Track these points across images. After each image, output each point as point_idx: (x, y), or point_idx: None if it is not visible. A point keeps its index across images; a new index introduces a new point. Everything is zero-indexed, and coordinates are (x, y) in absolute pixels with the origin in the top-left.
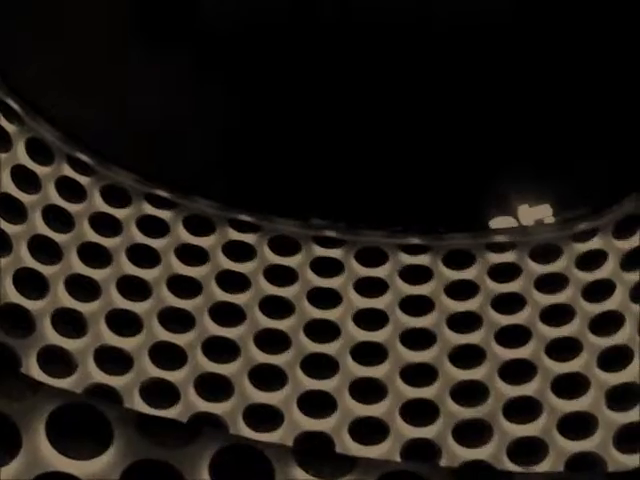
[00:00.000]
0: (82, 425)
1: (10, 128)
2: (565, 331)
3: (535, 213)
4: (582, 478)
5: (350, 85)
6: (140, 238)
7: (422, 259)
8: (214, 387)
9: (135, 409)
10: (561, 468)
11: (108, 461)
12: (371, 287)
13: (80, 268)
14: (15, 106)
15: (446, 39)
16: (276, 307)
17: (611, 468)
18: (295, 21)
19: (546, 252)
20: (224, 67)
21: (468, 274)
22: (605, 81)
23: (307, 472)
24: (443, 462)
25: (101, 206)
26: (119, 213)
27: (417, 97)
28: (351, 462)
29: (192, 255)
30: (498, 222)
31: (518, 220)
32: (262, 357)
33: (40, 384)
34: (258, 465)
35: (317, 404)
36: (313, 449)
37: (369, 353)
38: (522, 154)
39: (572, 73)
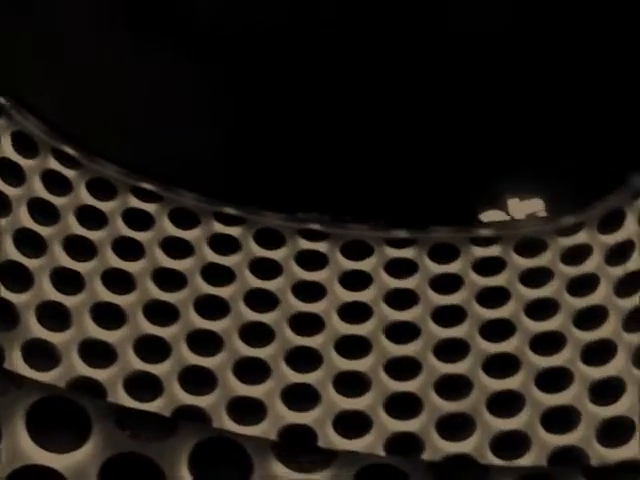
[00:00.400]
0: (62, 418)
1: None
2: (549, 325)
3: (526, 207)
4: (560, 472)
5: (336, 80)
6: (125, 231)
7: (407, 252)
8: (198, 380)
9: (118, 402)
10: (544, 462)
11: (87, 454)
12: (356, 280)
13: (65, 261)
14: (0, 99)
15: (437, 38)
16: (261, 300)
17: (593, 462)
18: (281, 18)
19: (531, 246)
20: (211, 61)
21: (453, 268)
22: (594, 81)
23: (286, 465)
24: (426, 455)
25: (87, 199)
26: (105, 206)
27: (404, 91)
28: (330, 455)
29: (177, 248)
30: (488, 216)
31: (509, 214)
32: (246, 350)
33: (23, 378)
34: (237, 458)
35: (301, 397)
36: (292, 442)
37: (353, 346)
38: (511, 149)
39: (564, 73)
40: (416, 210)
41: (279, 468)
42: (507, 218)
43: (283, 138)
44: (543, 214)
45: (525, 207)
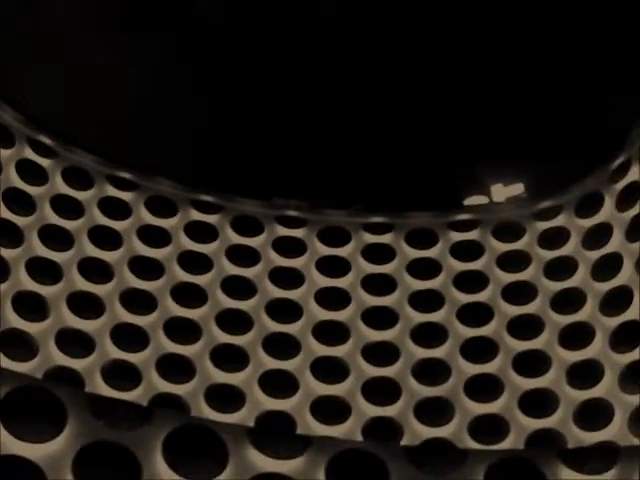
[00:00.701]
0: (36, 408)
1: None
2: (527, 309)
3: (508, 192)
4: (536, 455)
5: (312, 64)
6: (102, 220)
7: (385, 238)
8: (175, 368)
9: (96, 391)
10: (521, 445)
11: (61, 444)
12: (334, 266)
13: (41, 250)
14: None
15: (418, 24)
16: (238, 287)
17: (571, 445)
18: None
19: (509, 230)
20: (188, 51)
21: (431, 252)
22: (572, 67)
23: (262, 452)
24: (405, 440)
25: (62, 188)
26: (81, 195)
27: (382, 74)
28: (305, 442)
29: (154, 236)
30: (470, 201)
31: (490, 198)
32: (224, 337)
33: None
34: (212, 446)
35: (279, 384)
36: (270, 429)
37: (331, 332)
38: (491, 133)
39: (544, 58)
40: (395, 196)
41: (254, 455)
42: (486, 202)
43: (260, 125)
44: (523, 198)
45: (507, 191)
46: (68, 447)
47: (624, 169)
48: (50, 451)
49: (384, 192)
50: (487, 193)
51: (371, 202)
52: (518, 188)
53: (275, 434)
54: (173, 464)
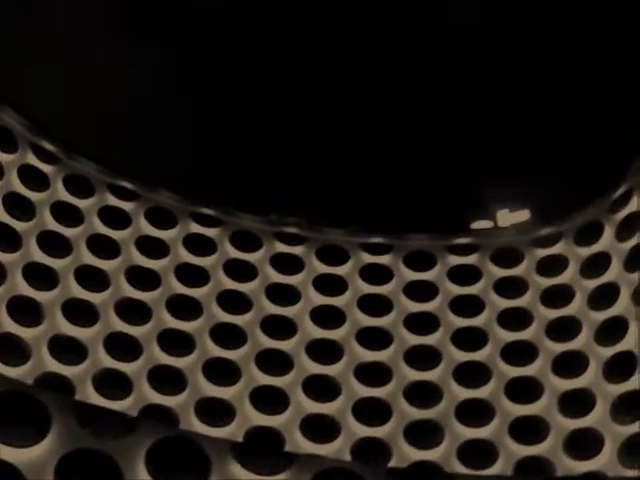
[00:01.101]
0: (20, 413)
1: None
2: (521, 335)
3: (513, 217)
4: None
5: (314, 82)
6: (101, 229)
7: (383, 259)
8: (167, 380)
9: (86, 399)
10: (510, 472)
11: (44, 450)
12: (330, 285)
13: (39, 256)
14: None
15: (422, 42)
16: (234, 302)
17: (559, 473)
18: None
19: (508, 256)
20: (192, 61)
21: (428, 275)
22: (576, 96)
23: (245, 467)
24: (393, 462)
25: (63, 195)
26: (81, 203)
27: (385, 93)
28: (290, 458)
29: (152, 247)
30: (474, 225)
31: (495, 223)
32: (217, 351)
33: None
34: (196, 458)
35: (270, 400)
36: (254, 444)
37: (325, 351)
38: (493, 158)
39: (546, 86)
40: (396, 217)
41: (237, 469)
42: (488, 227)
43: (262, 141)
44: (526, 224)
45: (512, 217)
46: (51, 453)
47: (625, 199)
48: (33, 456)
49: (385, 212)
50: (491, 218)
51: (371, 222)
52: (524, 214)
53: (259, 450)
54: (155, 475)
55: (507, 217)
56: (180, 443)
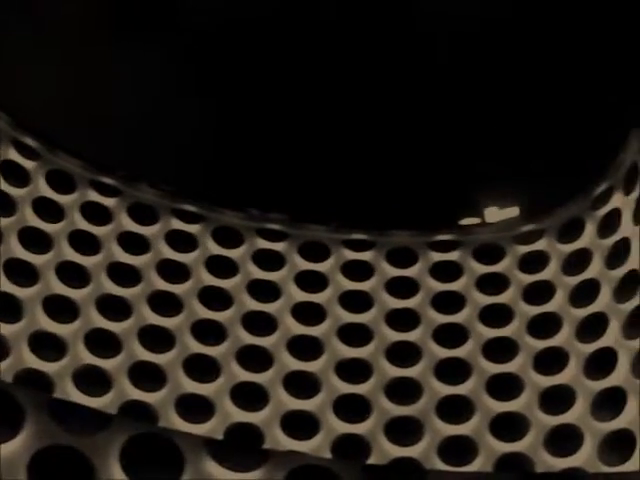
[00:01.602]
0: None
1: None
2: (503, 332)
3: (502, 214)
4: (498, 478)
5: (305, 79)
6: (82, 225)
7: (365, 255)
8: (148, 376)
9: (65, 396)
10: (490, 468)
11: (18, 445)
12: (312, 281)
13: (19, 252)
14: None
15: (421, 40)
16: (215, 298)
17: (540, 470)
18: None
19: (490, 252)
20: (181, 59)
21: (410, 272)
22: (561, 95)
23: (219, 464)
24: (373, 459)
25: (45, 191)
26: (63, 199)
27: (372, 92)
28: (265, 455)
29: (134, 243)
30: (462, 221)
31: (483, 219)
32: (197, 347)
33: None
34: (170, 455)
35: (250, 396)
36: (231, 441)
37: (305, 347)
38: (480, 155)
39: (532, 86)
40: (378, 213)
41: (211, 466)
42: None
43: (245, 137)
44: (510, 221)
45: (501, 214)
46: (24, 449)
47: (606, 196)
48: (6, 452)
49: (367, 209)
50: (476, 215)
51: (354, 219)
52: (512, 211)
53: (234, 446)
54: (129, 471)
55: (493, 214)
56: (154, 440)
